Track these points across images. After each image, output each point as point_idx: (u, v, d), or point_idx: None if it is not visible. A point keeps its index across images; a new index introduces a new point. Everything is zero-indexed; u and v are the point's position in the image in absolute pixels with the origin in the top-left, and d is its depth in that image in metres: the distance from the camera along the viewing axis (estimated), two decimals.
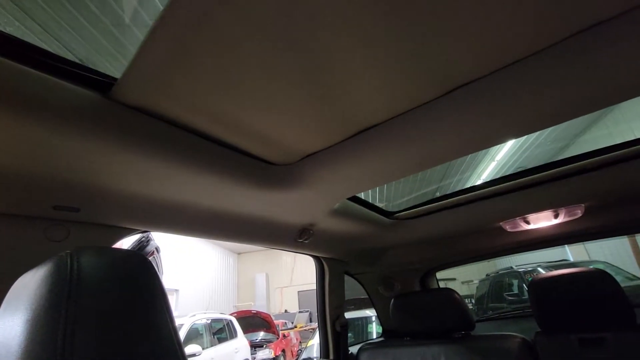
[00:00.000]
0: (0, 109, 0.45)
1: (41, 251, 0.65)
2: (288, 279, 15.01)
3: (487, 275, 6.41)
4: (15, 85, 0.45)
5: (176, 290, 10.91)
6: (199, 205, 0.81)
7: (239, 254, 16.08)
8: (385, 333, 1.89)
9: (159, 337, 0.34)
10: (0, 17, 3.30)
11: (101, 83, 0.53)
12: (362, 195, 1.21)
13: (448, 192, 1.32)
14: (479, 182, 1.47)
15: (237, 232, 1.02)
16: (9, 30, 3.37)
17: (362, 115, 0.68)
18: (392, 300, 1.49)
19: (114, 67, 4.04)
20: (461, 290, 10.66)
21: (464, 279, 11.43)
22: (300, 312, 11.63)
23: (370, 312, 4.77)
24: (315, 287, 1.57)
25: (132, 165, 0.61)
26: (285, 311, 13.54)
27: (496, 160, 7.85)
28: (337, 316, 1.56)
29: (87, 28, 3.48)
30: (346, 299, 1.69)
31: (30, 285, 0.32)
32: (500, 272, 5.88)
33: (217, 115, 0.60)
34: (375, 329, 4.69)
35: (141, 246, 1.23)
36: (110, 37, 3.63)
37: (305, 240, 1.20)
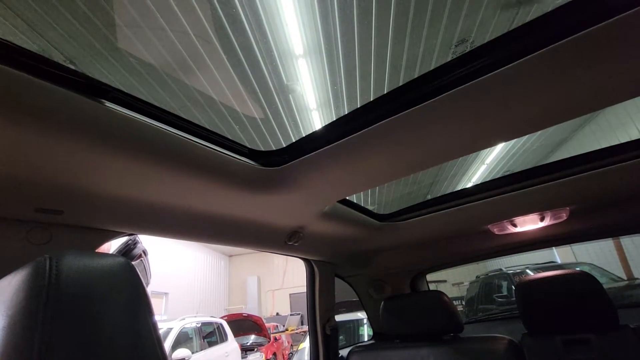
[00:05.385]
0: None
1: (22, 255, 0.63)
2: (280, 282, 14.94)
3: (477, 277, 6.48)
4: (1, 87, 0.44)
5: (165, 294, 10.75)
6: (187, 208, 0.80)
7: (230, 256, 15.94)
8: (376, 335, 1.90)
9: (140, 345, 0.33)
10: None
11: (89, 87, 0.52)
12: (353, 199, 1.21)
13: (438, 195, 1.33)
14: (469, 185, 1.49)
15: (226, 234, 1.01)
16: None
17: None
18: (382, 303, 1.50)
19: (104, 67, 3.98)
20: (452, 292, 10.76)
21: (454, 281, 11.53)
22: (291, 314, 11.57)
23: (362, 315, 4.78)
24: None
25: (118, 167, 0.60)
26: (277, 314, 13.46)
27: (486, 164, 7.98)
28: (327, 319, 1.56)
29: (77, 28, 3.43)
30: (337, 301, 1.69)
31: (7, 290, 0.31)
32: (489, 274, 5.94)
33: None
34: (366, 332, 4.70)
35: (128, 249, 1.21)
36: (100, 37, 3.58)
37: (295, 243, 1.20)
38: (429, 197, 9.10)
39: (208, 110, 5.04)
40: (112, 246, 1.23)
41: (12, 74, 0.45)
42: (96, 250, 0.77)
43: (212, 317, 7.03)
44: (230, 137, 0.75)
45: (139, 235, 1.23)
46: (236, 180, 0.77)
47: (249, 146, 0.80)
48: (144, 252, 1.31)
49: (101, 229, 0.76)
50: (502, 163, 8.20)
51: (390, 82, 4.83)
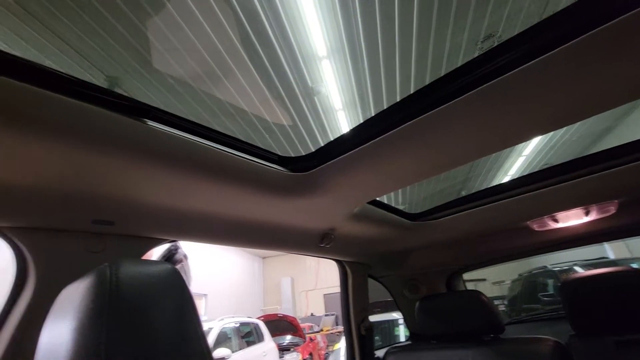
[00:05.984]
0: (48, 136, 0.50)
1: (82, 263, 0.70)
2: (313, 282, 15.04)
3: (519, 275, 6.16)
4: (60, 115, 0.50)
5: (205, 295, 11.19)
6: (225, 215, 0.85)
7: (264, 258, 16.30)
8: (412, 336, 1.87)
9: (189, 342, 0.37)
10: (36, 42, 3.55)
11: (133, 108, 0.58)
12: (383, 199, 1.21)
13: (473, 192, 1.29)
14: (506, 179, 1.43)
15: (260, 239, 1.05)
16: (48, 58, 3.62)
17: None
18: (418, 303, 1.47)
19: (142, 85, 4.25)
20: (492, 291, 10.27)
21: (494, 280, 11.00)
22: (326, 315, 11.61)
23: (398, 315, 4.70)
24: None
25: (161, 180, 0.66)
26: (312, 314, 13.56)
27: (524, 156, 7.55)
28: (362, 319, 1.56)
29: (116, 48, 3.69)
30: (371, 301, 1.69)
31: (74, 296, 0.36)
32: (533, 272, 5.62)
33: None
34: (402, 332, 4.62)
35: (170, 255, 1.29)
36: (138, 57, 3.82)
37: (327, 244, 1.21)
38: (462, 193, 8.78)
39: (240, 121, 5.22)
40: (154, 252, 1.32)
41: (72, 103, 0.51)
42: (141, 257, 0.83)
43: (248, 317, 7.23)
44: (261, 146, 0.78)
45: (179, 242, 1.31)
46: (268, 186, 0.81)
47: (280, 153, 0.83)
48: (185, 256, 1.39)
49: (147, 236, 0.82)
50: (540, 156, 7.73)
51: (416, 80, 4.72)
